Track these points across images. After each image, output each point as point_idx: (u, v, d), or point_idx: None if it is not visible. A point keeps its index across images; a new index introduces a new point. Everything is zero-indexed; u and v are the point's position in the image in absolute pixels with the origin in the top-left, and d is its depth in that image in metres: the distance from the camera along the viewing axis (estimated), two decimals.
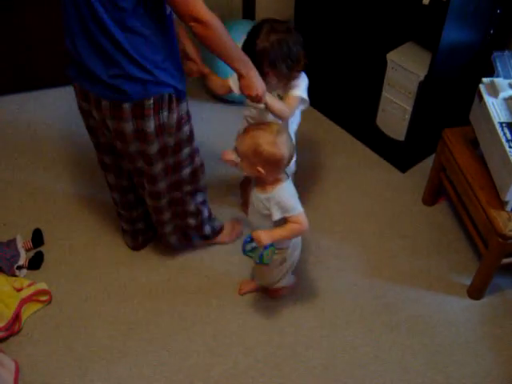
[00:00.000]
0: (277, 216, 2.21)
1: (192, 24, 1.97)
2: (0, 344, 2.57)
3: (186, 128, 2.37)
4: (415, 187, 3.23)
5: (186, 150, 2.43)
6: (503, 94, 2.63)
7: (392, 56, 3.06)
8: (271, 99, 2.33)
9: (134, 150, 2.29)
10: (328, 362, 2.54)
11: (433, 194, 3.13)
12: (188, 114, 2.35)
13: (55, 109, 3.65)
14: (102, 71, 2.07)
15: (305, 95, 2.50)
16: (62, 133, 3.50)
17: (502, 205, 2.53)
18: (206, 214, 2.76)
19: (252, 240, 2.21)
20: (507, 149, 2.44)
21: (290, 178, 2.29)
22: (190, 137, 2.43)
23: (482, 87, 2.69)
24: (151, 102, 2.14)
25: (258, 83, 2.24)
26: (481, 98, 2.67)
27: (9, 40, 3.50)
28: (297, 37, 2.44)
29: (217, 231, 2.89)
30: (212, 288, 2.78)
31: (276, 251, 2.27)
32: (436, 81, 2.91)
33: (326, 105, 3.65)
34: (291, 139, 2.22)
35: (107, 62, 2.04)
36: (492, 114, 2.57)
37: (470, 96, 2.81)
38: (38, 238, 2.94)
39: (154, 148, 2.29)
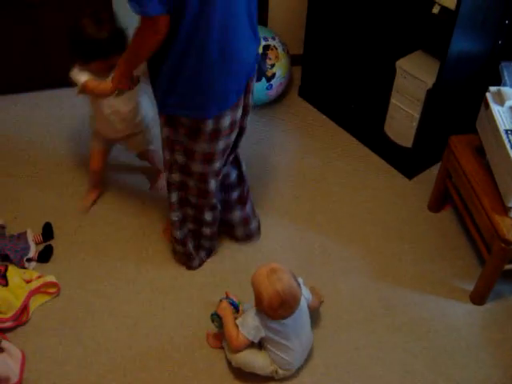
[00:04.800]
0: (238, 320, 2.37)
1: None
2: (7, 334, 2.60)
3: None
4: (421, 194, 3.26)
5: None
6: (509, 103, 2.66)
7: (401, 64, 3.10)
8: None
9: None
10: (330, 362, 2.56)
11: (438, 201, 3.16)
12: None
13: (69, 107, 3.70)
14: None
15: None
16: (74, 131, 3.55)
17: (506, 211, 2.57)
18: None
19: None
20: None
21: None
22: None
23: (488, 95, 2.73)
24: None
25: None
26: (487, 106, 2.71)
27: (27, 38, 3.56)
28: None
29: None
30: (219, 285, 2.82)
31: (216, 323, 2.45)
32: (444, 89, 2.95)
33: (334, 111, 3.69)
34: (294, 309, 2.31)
35: None
36: (498, 122, 2.61)
37: (477, 104, 2.85)
38: (48, 231, 2.98)
39: None
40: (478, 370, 2.57)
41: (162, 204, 3.05)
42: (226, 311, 2.40)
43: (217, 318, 2.43)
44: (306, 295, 2.47)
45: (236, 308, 2.44)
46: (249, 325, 2.32)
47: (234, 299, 2.48)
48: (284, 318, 2.29)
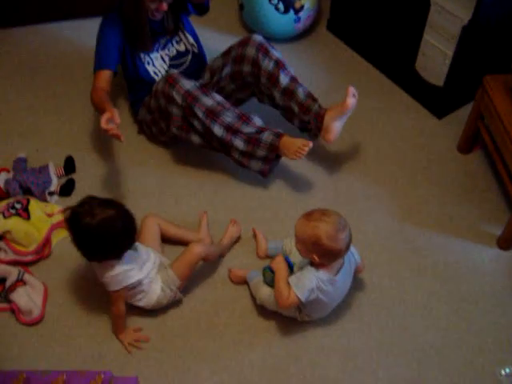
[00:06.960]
0: (292, 279, 2.27)
1: None
2: (30, 267, 2.63)
3: None
4: (451, 134, 3.18)
5: None
6: None
7: None
8: None
9: None
10: (353, 302, 2.56)
11: (468, 142, 3.08)
12: None
13: (91, 39, 3.62)
14: None
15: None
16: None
17: None
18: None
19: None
20: None
21: (324, 272, 2.27)
22: None
23: None
24: None
25: None
26: None
27: None
28: None
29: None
30: (240, 222, 2.80)
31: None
32: (480, 26, 2.84)
33: (364, 46, 3.59)
34: (350, 233, 2.22)
35: None
36: None
37: None
38: (70, 165, 2.96)
39: None
40: (501, 315, 2.55)
41: None
42: (281, 266, 2.31)
43: (269, 271, 2.36)
44: (357, 258, 2.43)
45: (291, 268, 2.36)
46: (305, 285, 2.23)
47: (290, 259, 2.40)
48: (348, 243, 2.21)
